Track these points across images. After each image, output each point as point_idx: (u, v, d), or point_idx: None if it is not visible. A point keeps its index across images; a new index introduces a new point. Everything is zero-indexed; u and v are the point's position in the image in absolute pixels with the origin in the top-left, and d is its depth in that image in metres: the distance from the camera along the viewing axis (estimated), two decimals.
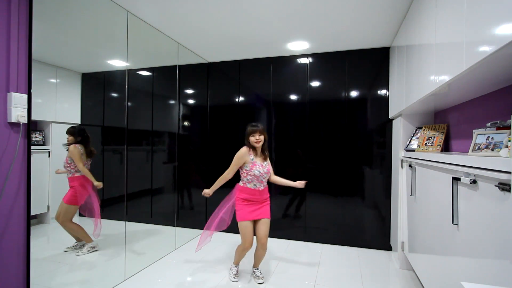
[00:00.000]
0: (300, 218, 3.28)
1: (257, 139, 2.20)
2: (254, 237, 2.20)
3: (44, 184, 2.07)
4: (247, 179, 2.20)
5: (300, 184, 2.25)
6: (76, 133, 2.25)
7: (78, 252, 2.38)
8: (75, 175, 2.25)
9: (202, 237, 2.31)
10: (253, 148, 2.22)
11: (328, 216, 3.19)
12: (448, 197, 1.35)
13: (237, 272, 2.36)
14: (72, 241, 2.38)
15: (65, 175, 2.24)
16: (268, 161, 2.33)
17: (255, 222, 2.22)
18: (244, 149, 2.21)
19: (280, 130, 3.40)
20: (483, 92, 1.54)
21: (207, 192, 2.32)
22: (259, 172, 2.17)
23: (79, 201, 2.29)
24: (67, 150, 2.22)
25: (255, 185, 2.20)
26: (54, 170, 2.16)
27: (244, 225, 2.16)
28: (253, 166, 2.17)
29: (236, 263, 2.38)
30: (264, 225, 2.19)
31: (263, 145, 2.26)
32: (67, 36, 2.27)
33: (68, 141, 2.21)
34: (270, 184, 2.35)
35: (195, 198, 3.72)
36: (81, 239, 2.40)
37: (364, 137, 3.12)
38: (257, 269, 2.35)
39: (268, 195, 2.31)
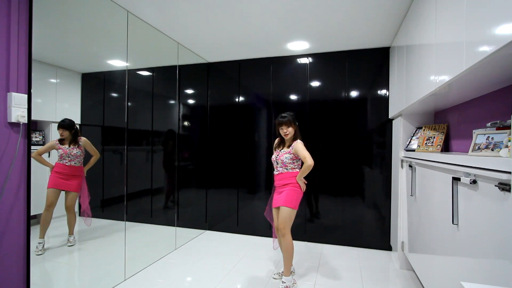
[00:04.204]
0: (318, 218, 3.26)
1: (285, 132, 2.22)
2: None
3: (44, 184, 2.06)
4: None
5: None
6: (72, 127, 2.22)
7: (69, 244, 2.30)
8: (81, 164, 2.26)
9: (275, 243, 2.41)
10: (282, 137, 2.30)
11: (328, 216, 3.19)
12: (448, 197, 1.35)
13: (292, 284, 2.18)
14: (64, 239, 2.30)
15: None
16: (293, 146, 2.17)
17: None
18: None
19: None
20: (483, 92, 1.54)
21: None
22: (272, 157, 2.33)
23: (82, 188, 2.31)
24: (75, 145, 2.19)
25: (274, 169, 2.31)
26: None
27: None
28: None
29: (286, 274, 2.17)
30: (279, 213, 2.16)
31: (295, 134, 2.24)
32: (67, 36, 2.27)
33: (62, 136, 2.16)
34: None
35: (195, 198, 3.72)
36: (71, 229, 2.32)
37: (364, 137, 3.12)
38: (280, 274, 2.33)
39: (288, 182, 2.17)
